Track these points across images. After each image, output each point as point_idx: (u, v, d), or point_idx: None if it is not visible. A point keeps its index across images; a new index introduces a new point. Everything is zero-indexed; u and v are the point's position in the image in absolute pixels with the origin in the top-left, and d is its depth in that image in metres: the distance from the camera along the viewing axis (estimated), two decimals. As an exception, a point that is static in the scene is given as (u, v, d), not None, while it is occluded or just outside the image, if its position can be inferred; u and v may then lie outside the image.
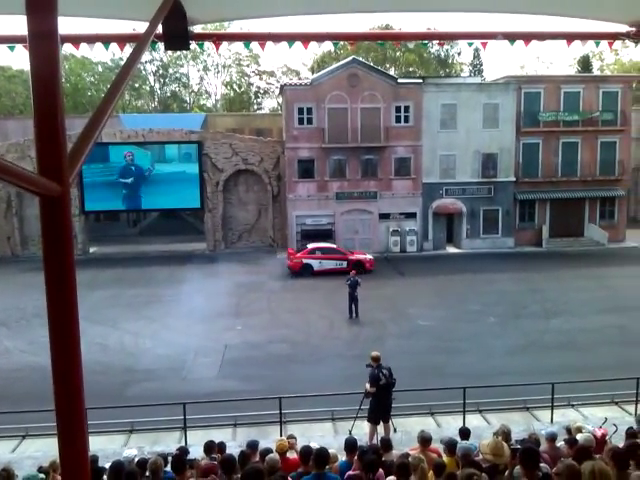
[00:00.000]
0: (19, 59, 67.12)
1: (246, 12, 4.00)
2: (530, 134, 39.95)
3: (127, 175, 38.75)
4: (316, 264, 32.86)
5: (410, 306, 25.72)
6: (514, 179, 39.89)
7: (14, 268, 34.60)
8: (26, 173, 1.82)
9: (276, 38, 4.16)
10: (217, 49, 4.39)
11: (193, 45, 3.97)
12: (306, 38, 4.23)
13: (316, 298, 27.47)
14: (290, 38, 4.18)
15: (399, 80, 40.05)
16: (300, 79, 54.40)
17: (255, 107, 75.59)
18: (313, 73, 56.97)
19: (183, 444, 12.04)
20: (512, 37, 4.36)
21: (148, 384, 17.42)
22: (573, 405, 14.69)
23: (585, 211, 41.57)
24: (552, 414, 14.01)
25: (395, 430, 12.86)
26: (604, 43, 4.52)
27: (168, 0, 3.18)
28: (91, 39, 4.10)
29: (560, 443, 8.44)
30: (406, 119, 38.75)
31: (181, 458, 7.45)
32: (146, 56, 62.93)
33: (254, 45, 4.45)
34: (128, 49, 3.84)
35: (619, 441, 8.44)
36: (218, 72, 73.88)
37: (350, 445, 7.99)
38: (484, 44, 4.85)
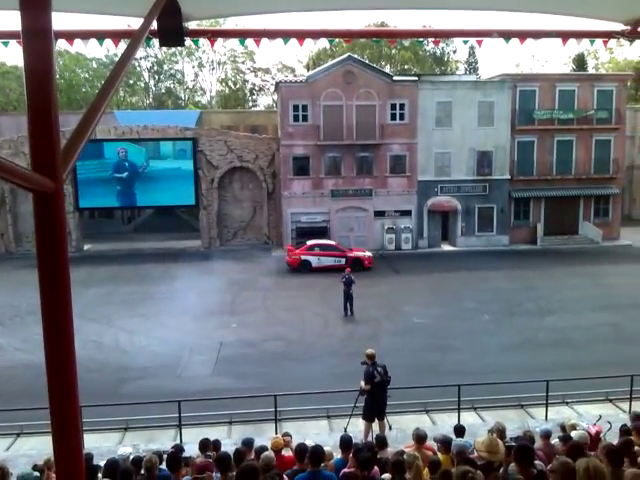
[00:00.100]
0: (13, 55, 66.79)
1: (241, 8, 3.99)
2: (525, 132, 40.02)
3: (120, 171, 38.66)
4: (315, 260, 32.93)
5: (405, 304, 25.75)
6: (509, 177, 39.97)
7: (8, 265, 34.50)
8: (19, 169, 1.81)
9: (271, 35, 4.15)
10: (212, 46, 4.38)
11: (188, 41, 3.96)
12: (301, 35, 4.21)
13: (311, 296, 27.47)
14: (285, 35, 4.16)
15: (394, 78, 40.04)
16: (295, 76, 54.34)
17: (250, 104, 75.46)
18: (308, 70, 56.90)
19: (178, 442, 12.03)
20: (507, 35, 4.35)
21: (143, 382, 17.39)
22: (567, 402, 14.73)
23: (580, 209, 41.68)
24: (547, 411, 14.06)
25: (390, 428, 12.88)
26: (599, 41, 4.52)
27: (163, -4, 3.17)
28: (85, 35, 4.08)
29: (555, 440, 8.47)
30: (401, 117, 38.77)
31: (176, 456, 7.44)
32: (141, 52, 62.73)
33: (249, 42, 4.44)
34: (123, 45, 3.82)
35: (613, 438, 8.47)
36: (213, 69, 73.77)
37: (345, 443, 7.99)
38: (479, 42, 4.84)
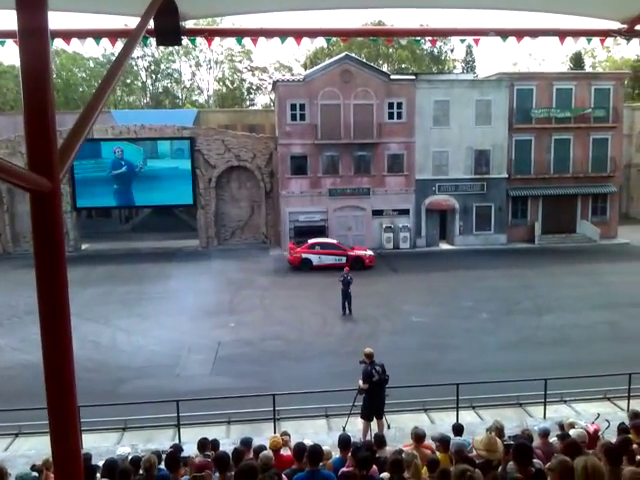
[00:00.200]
0: (10, 54, 66.73)
1: (238, 8, 3.99)
2: (522, 131, 40.03)
3: (117, 170, 38.60)
4: (315, 259, 32.99)
5: (403, 302, 25.76)
6: (506, 176, 39.98)
7: (6, 265, 34.45)
8: (16, 169, 1.81)
9: (268, 34, 4.14)
10: (209, 45, 4.38)
11: (185, 41, 3.95)
12: (298, 34, 4.21)
13: (309, 295, 27.47)
14: (282, 34, 4.16)
15: (392, 76, 40.04)
16: (293, 75, 54.30)
17: (247, 103, 75.44)
18: (306, 69, 56.90)
19: (177, 442, 12.04)
20: (504, 34, 4.35)
21: (141, 381, 17.38)
22: (566, 401, 14.74)
23: (577, 208, 41.72)
24: (545, 410, 14.07)
25: (389, 427, 12.88)
26: (596, 40, 4.53)
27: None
28: (82, 34, 4.07)
29: (553, 439, 8.47)
30: (399, 115, 38.76)
31: (175, 456, 7.44)
32: (138, 51, 62.74)
33: (246, 41, 4.44)
34: (120, 44, 3.82)
35: (611, 436, 8.48)
36: (210, 68, 73.76)
37: (344, 442, 7.99)
38: (476, 41, 4.85)
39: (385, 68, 63.68)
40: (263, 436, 11.25)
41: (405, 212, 39.45)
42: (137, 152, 38.72)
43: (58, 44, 4.11)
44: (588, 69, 66.70)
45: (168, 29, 3.64)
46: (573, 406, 14.58)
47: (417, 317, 23.72)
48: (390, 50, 69.11)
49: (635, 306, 24.11)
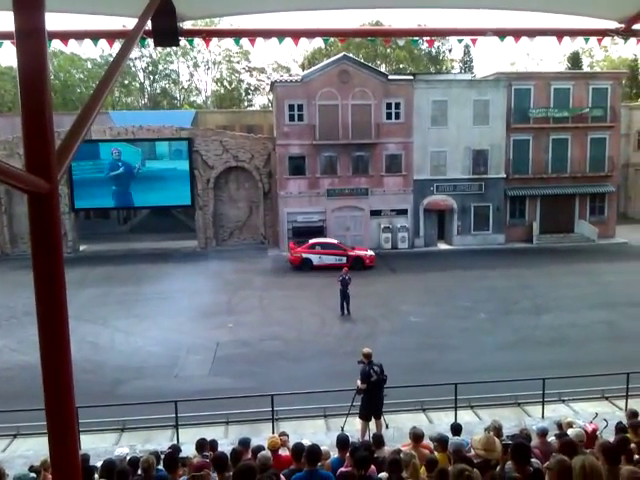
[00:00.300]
0: (8, 56, 66.63)
1: (236, 8, 3.99)
2: (520, 130, 40.06)
3: (114, 171, 38.57)
4: (316, 259, 33.04)
5: (401, 302, 25.77)
6: (504, 176, 40.01)
7: (4, 266, 34.42)
8: (14, 170, 1.81)
9: (266, 34, 4.15)
10: (207, 45, 4.38)
11: (183, 41, 3.96)
12: (296, 34, 4.21)
13: (308, 295, 27.46)
14: (280, 34, 4.16)
15: (390, 77, 40.06)
16: (291, 76, 54.31)
17: (245, 104, 75.39)
18: (304, 70, 56.87)
19: (175, 442, 12.03)
20: (502, 33, 4.36)
21: (139, 382, 17.37)
22: (564, 400, 14.76)
23: (575, 207, 41.75)
24: (543, 409, 14.08)
25: (387, 426, 12.89)
26: (593, 40, 4.54)
27: (157, -4, 3.17)
28: (79, 35, 4.07)
29: (551, 438, 8.48)
30: (397, 116, 38.78)
31: (173, 456, 7.43)
32: (135, 52, 62.68)
33: (244, 41, 4.44)
34: (117, 45, 3.82)
35: (610, 436, 8.49)
36: (208, 69, 73.71)
37: (342, 442, 7.99)
38: (474, 40, 4.86)
39: (383, 68, 63.67)
40: (261, 436, 11.26)
41: (403, 212, 39.46)
42: (135, 153, 38.70)
43: (56, 45, 4.11)
44: (586, 69, 66.79)
45: (166, 30, 3.64)
46: (571, 405, 14.59)
47: (415, 317, 23.73)
48: (388, 50, 69.12)
49: (633, 305, 24.13)
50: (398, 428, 12.82)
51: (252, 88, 76.53)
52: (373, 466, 7.07)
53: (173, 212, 49.61)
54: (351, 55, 43.76)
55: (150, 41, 3.81)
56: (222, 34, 4.42)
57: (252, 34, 4.21)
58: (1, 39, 3.99)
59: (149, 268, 33.61)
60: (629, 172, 51.92)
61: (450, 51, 73.95)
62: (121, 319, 23.85)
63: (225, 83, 75.46)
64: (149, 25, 3.44)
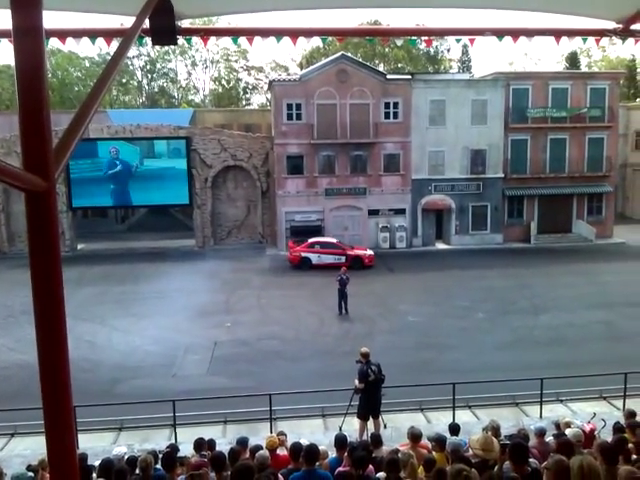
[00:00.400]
0: (5, 54, 66.53)
1: (234, 7, 3.98)
2: (518, 130, 40.07)
3: (112, 170, 38.55)
4: (315, 258, 33.07)
5: (399, 302, 25.78)
6: (502, 175, 40.04)
7: (1, 265, 34.38)
8: (10, 168, 1.80)
9: (264, 33, 4.14)
10: (205, 44, 4.37)
11: (181, 40, 3.94)
12: (294, 33, 4.20)
13: (306, 295, 27.47)
14: (278, 33, 4.15)
15: (388, 76, 40.04)
16: (289, 75, 54.28)
17: (244, 103, 75.35)
18: (302, 69, 56.86)
19: (173, 441, 12.02)
20: (500, 33, 4.35)
21: (137, 381, 17.37)
22: (562, 400, 14.77)
23: (573, 207, 41.78)
24: (541, 409, 14.10)
25: (385, 426, 12.89)
26: (591, 40, 4.54)
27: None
28: (77, 34, 4.06)
29: (549, 438, 8.49)
30: (395, 115, 38.78)
31: (171, 455, 7.43)
32: (133, 51, 62.59)
33: (242, 40, 4.43)
34: (115, 44, 3.81)
35: (608, 436, 8.50)
36: (206, 67, 73.66)
37: (340, 441, 7.99)
38: (472, 40, 4.85)
39: (381, 68, 63.63)
40: (259, 436, 11.26)
41: (401, 212, 39.47)
42: (133, 152, 38.67)
43: (53, 43, 4.10)
44: (584, 69, 66.80)
45: (164, 28, 3.63)
46: (569, 405, 14.61)
47: (413, 317, 23.74)
48: (386, 50, 69.13)
49: (631, 305, 24.16)
50: (396, 428, 12.82)
51: (250, 87, 76.54)
52: (371, 466, 7.08)
53: (171, 211, 49.56)
54: (349, 54, 43.79)
55: (148, 40, 3.80)
56: (220, 33, 4.42)
57: (250, 33, 4.20)
58: (-1, 37, 3.97)
59: (147, 267, 33.59)
60: (627, 172, 51.96)
61: (448, 51, 74.01)
62: (119, 318, 23.83)
63: (223, 82, 75.44)
64: (147, 24, 3.43)
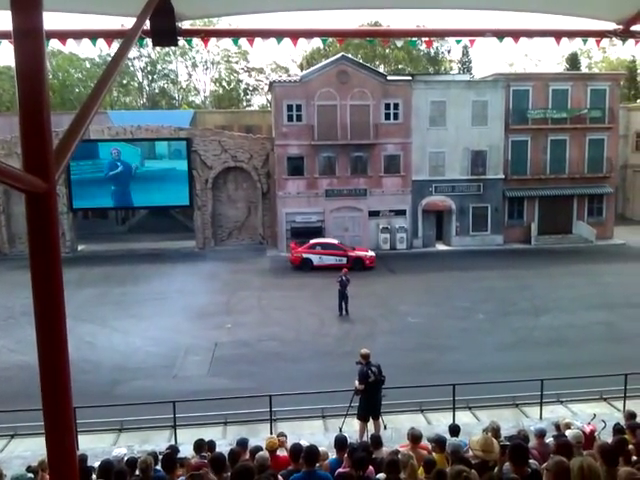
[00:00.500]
0: (6, 55, 66.56)
1: (234, 8, 3.98)
2: (519, 131, 40.07)
3: (113, 171, 38.56)
4: (316, 259, 33.08)
5: (400, 303, 25.77)
6: (503, 176, 40.03)
7: (1, 266, 34.37)
8: (11, 169, 1.80)
9: (264, 34, 4.14)
10: (205, 45, 4.37)
11: (181, 41, 3.95)
12: (295, 34, 4.20)
13: (307, 296, 27.46)
14: (279, 34, 4.15)
15: (388, 77, 40.08)
16: (289, 76, 54.30)
17: (244, 104, 75.36)
18: (302, 70, 56.87)
19: (173, 443, 12.02)
20: (501, 34, 4.35)
21: (137, 382, 17.37)
22: (562, 401, 14.76)
23: (573, 208, 41.76)
24: (541, 410, 14.10)
25: (385, 427, 12.89)
26: (592, 41, 4.54)
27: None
28: (78, 35, 4.06)
29: (549, 439, 8.48)
30: (395, 116, 38.79)
31: (171, 457, 7.43)
32: (134, 52, 62.64)
33: (243, 41, 4.43)
34: (116, 45, 3.82)
35: (608, 437, 8.49)
36: (207, 69, 73.66)
37: (340, 442, 7.99)
38: (472, 41, 4.85)
39: (382, 69, 63.66)
40: (259, 437, 11.25)
41: (402, 213, 39.46)
42: (134, 153, 38.68)
43: (54, 45, 4.10)
44: (584, 70, 66.79)
45: (164, 30, 3.63)
46: (569, 407, 14.60)
47: (414, 318, 23.74)
48: (387, 51, 69.14)
49: (631, 307, 24.16)
50: (396, 429, 12.81)
51: (251, 88, 76.53)
52: (371, 467, 7.07)
53: (171, 212, 49.57)
54: (350, 55, 43.82)
55: (149, 41, 3.80)
56: (221, 34, 4.41)
57: (251, 34, 4.20)
58: (-1, 38, 3.98)
59: (147, 268, 33.59)
60: (627, 173, 51.94)
61: (449, 52, 73.95)
62: (119, 319, 23.84)
63: (224, 83, 75.43)
64: (147, 25, 3.43)
